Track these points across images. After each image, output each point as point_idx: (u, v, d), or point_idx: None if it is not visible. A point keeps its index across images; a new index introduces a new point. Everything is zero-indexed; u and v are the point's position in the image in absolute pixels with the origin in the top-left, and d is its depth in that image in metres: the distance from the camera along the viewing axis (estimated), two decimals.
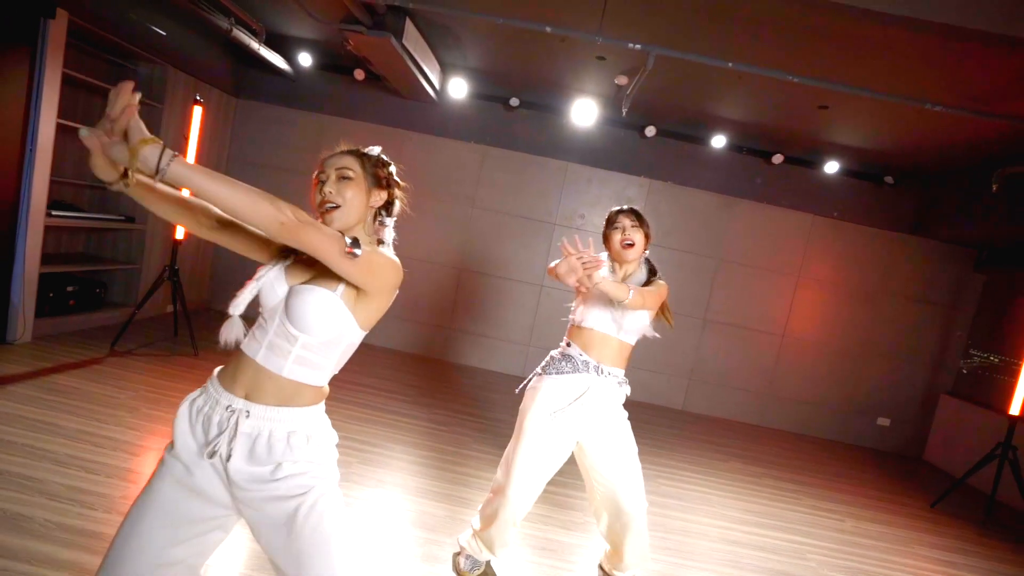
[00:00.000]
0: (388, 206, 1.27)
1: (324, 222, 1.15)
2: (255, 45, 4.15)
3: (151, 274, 4.35)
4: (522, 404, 1.93)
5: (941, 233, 4.70)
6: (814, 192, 4.88)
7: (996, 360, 4.64)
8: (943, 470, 4.71)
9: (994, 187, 3.39)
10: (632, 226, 1.88)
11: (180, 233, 3.80)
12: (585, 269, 1.64)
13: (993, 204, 4.02)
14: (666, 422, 4.56)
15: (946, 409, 4.91)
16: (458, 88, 4.61)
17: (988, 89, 2.83)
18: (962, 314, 4.98)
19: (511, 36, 3.57)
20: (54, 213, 3.50)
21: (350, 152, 1.21)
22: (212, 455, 1.05)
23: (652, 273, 1.95)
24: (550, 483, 2.84)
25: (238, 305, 1.12)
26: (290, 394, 1.10)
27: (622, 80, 3.89)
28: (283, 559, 1.06)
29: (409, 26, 3.51)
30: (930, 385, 5.06)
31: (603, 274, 1.72)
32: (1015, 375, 3.69)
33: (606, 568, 2.08)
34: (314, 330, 1.08)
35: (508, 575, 2.04)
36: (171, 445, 1.11)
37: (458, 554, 2.02)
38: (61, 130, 3.51)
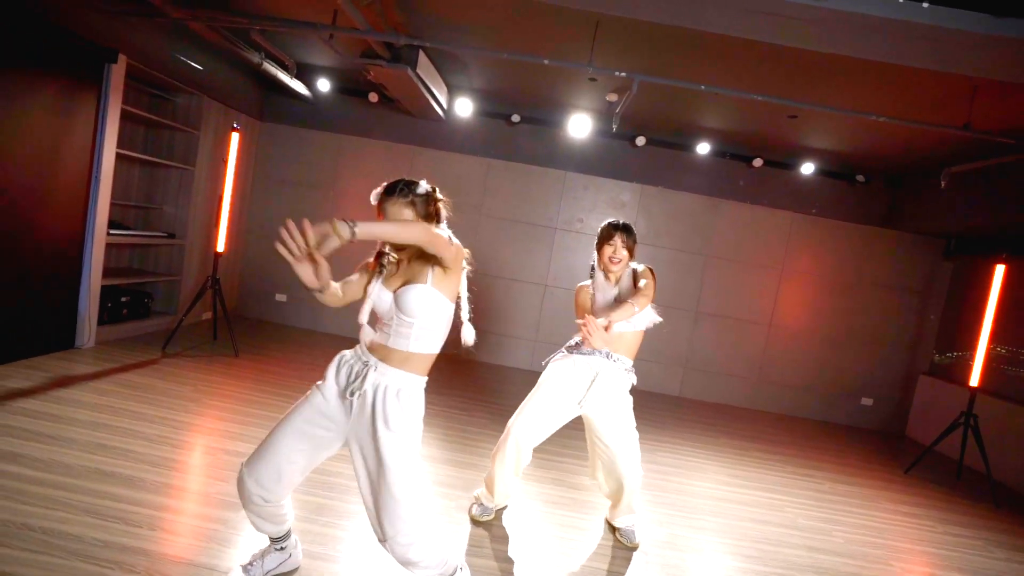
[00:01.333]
0: (438, 217, 1.64)
1: (395, 252, 1.60)
2: (285, 77, 4.60)
3: (189, 284, 4.79)
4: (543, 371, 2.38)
5: (910, 226, 5.12)
6: (793, 192, 5.30)
7: (962, 351, 5.04)
8: (923, 444, 5.10)
9: (942, 183, 3.81)
10: (623, 245, 2.23)
11: (221, 246, 4.24)
12: (605, 329, 2.01)
13: (951, 199, 4.44)
14: (664, 407, 4.97)
15: (924, 389, 5.31)
16: (464, 107, 5.06)
17: (929, 103, 3.26)
18: (935, 299, 5.38)
19: (512, 63, 4.01)
20: (111, 232, 3.94)
21: (406, 200, 1.52)
22: (352, 394, 1.51)
23: (633, 271, 2.29)
24: (565, 446, 3.26)
25: (363, 315, 1.57)
26: (404, 359, 1.54)
27: (612, 97, 4.33)
28: (366, 478, 1.52)
29: (422, 57, 3.96)
30: (909, 366, 5.46)
31: (601, 323, 2.05)
32: (973, 350, 4.09)
33: (610, 520, 2.50)
34: (421, 313, 1.52)
35: (524, 527, 2.45)
36: (320, 382, 1.59)
37: (472, 503, 2.44)
38: (117, 158, 3.97)
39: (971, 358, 4.15)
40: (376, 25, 3.26)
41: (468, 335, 1.72)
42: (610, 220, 2.29)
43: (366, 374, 1.52)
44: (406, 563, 1.53)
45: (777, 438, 4.54)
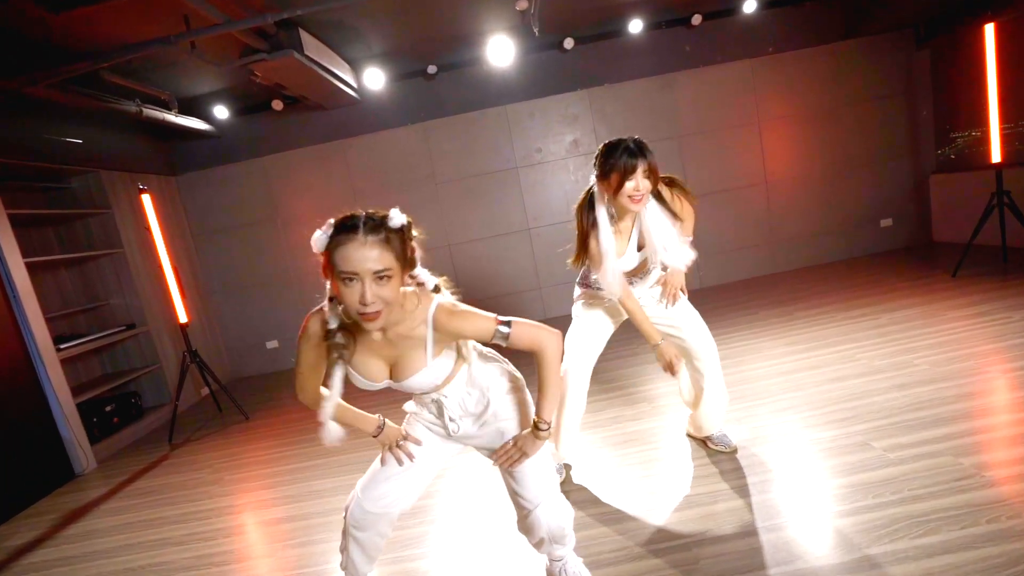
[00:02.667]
0: (413, 259, 1.23)
1: (365, 323, 1.12)
2: (171, 117, 4.13)
3: (172, 366, 4.46)
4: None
5: (873, 27, 4.73)
6: (744, 38, 4.89)
7: (968, 134, 4.74)
8: (956, 243, 4.89)
9: None
10: (645, 176, 1.68)
11: (183, 317, 3.89)
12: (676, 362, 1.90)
13: None
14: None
15: (938, 188, 5.05)
16: (374, 78, 4.58)
17: None
18: (921, 94, 5.05)
19: (402, 8, 3.54)
20: (62, 347, 3.58)
21: (378, 239, 1.08)
22: (455, 428, 1.44)
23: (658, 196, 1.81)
24: (611, 388, 3.02)
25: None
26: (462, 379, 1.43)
27: (522, 5, 3.87)
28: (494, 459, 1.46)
29: (305, 36, 3.49)
30: (916, 172, 5.18)
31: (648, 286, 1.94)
32: (986, 127, 3.80)
33: (695, 434, 2.26)
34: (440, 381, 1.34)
35: (597, 474, 2.21)
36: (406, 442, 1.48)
37: None
38: (31, 268, 3.57)
39: (984, 136, 3.86)
40: (235, 14, 2.80)
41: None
42: (610, 142, 1.73)
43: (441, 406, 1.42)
44: (558, 536, 1.45)
45: (813, 292, 4.31)
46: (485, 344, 1.35)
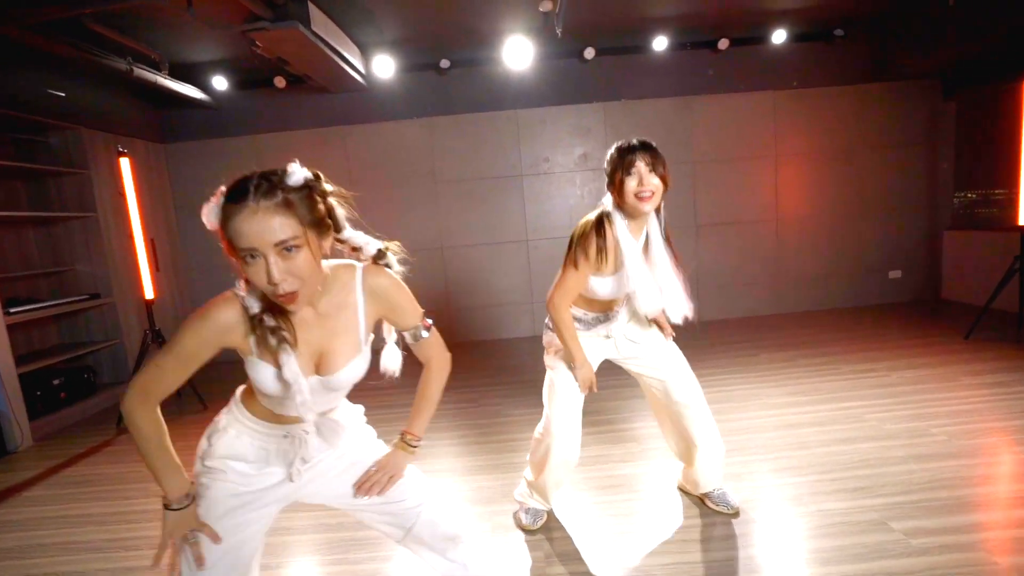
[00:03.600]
0: (334, 221, 1.00)
1: (285, 306, 0.93)
2: (162, 79, 3.89)
3: (135, 343, 4.18)
4: (546, 346, 1.88)
5: (902, 71, 4.59)
6: (769, 68, 4.73)
7: (986, 189, 4.60)
8: (965, 303, 4.73)
9: (951, 1, 3.27)
10: (649, 170, 1.55)
11: (150, 293, 3.62)
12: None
13: (948, 23, 3.91)
14: (684, 337, 4.49)
15: (952, 244, 4.90)
16: (384, 66, 4.38)
17: None
18: (944, 145, 4.91)
19: None
20: (12, 311, 3.31)
21: (273, 203, 0.86)
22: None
23: (666, 235, 1.70)
24: (599, 424, 2.79)
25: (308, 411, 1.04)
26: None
27: (547, 6, 3.68)
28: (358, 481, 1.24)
29: (314, 11, 3.28)
30: (930, 226, 5.03)
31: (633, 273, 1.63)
32: (1014, 187, 3.64)
33: (687, 488, 2.04)
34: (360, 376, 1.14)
35: (575, 520, 1.98)
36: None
37: (517, 511, 1.96)
38: None
39: (1011, 198, 3.70)
40: None
41: (391, 360, 1.23)
42: (619, 144, 1.63)
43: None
44: (451, 533, 1.23)
45: (816, 338, 4.12)
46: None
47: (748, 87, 4.77)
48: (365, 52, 4.37)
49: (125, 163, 3.44)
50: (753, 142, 4.86)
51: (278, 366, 0.99)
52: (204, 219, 0.92)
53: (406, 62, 4.54)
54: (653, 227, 1.67)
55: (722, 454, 1.89)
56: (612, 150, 1.64)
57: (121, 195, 3.59)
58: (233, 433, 1.14)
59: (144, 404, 1.01)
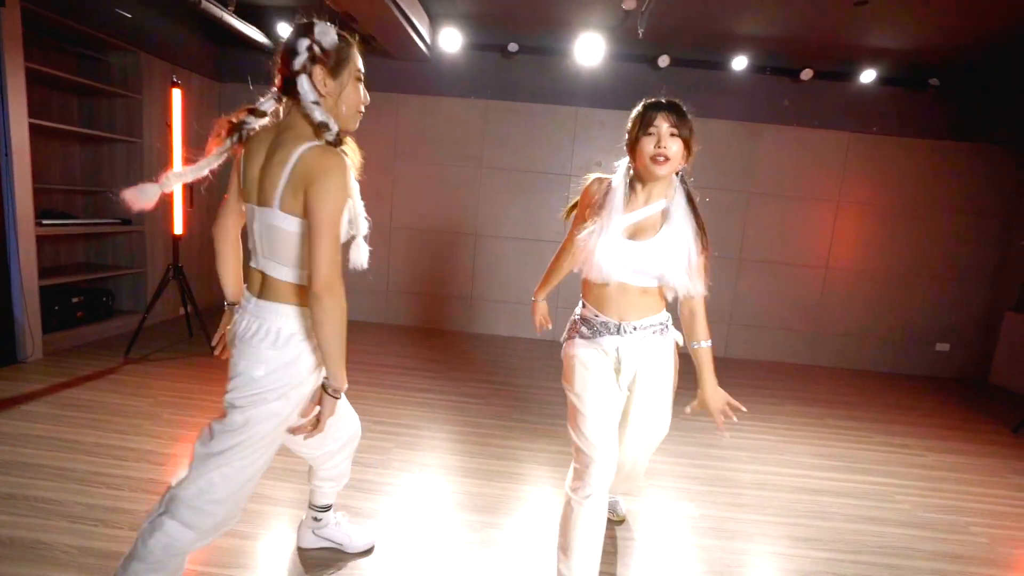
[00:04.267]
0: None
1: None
2: (230, 18, 3.84)
3: (157, 276, 4.18)
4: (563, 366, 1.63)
5: (989, 135, 4.28)
6: (849, 107, 4.46)
7: None
8: (1014, 392, 4.42)
9: None
10: (671, 133, 1.38)
11: (179, 228, 3.59)
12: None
13: None
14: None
15: (1012, 327, 4.57)
16: (451, 40, 4.25)
17: None
18: (1020, 222, 4.58)
19: None
20: (44, 223, 3.31)
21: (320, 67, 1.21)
22: None
23: (690, 200, 1.47)
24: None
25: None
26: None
27: (630, 3, 3.50)
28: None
29: None
30: (991, 303, 4.71)
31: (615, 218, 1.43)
32: None
33: None
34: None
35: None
36: None
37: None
38: (37, 132, 3.29)
39: None
40: None
41: (356, 255, 1.29)
42: (646, 100, 1.46)
43: None
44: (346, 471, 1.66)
45: (849, 400, 3.88)
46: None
47: (823, 124, 4.51)
48: (435, 23, 4.25)
49: (176, 94, 3.40)
50: (817, 183, 4.60)
51: None
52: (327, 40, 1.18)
53: (473, 39, 4.40)
54: (678, 199, 1.45)
55: (636, 484, 1.88)
56: (637, 107, 1.47)
57: (168, 126, 3.55)
58: None
59: (339, 278, 1.13)
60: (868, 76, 4.23)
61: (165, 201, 4.04)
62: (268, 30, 4.43)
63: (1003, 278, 4.66)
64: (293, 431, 1.28)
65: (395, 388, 3.28)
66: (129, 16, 3.64)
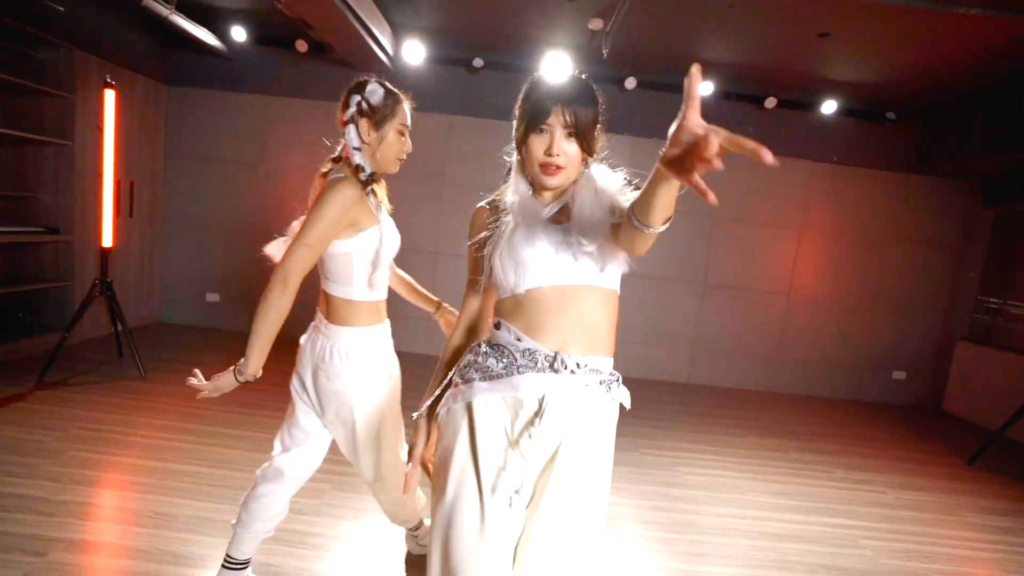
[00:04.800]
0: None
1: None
2: (179, 19, 3.60)
3: (86, 290, 3.84)
4: (439, 445, 1.12)
5: (945, 169, 4.38)
6: (812, 137, 4.51)
7: (1011, 305, 4.37)
8: (966, 420, 4.47)
9: None
10: (568, 133, 1.02)
11: (108, 240, 3.30)
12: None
13: (1006, 131, 3.70)
14: (671, 397, 4.23)
15: (964, 356, 4.66)
16: (414, 52, 4.11)
17: None
18: (972, 254, 4.69)
19: None
20: None
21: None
22: None
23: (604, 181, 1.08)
24: None
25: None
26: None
27: (596, 24, 3.43)
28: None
29: None
30: (944, 332, 4.79)
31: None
32: None
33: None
34: None
35: None
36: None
37: None
38: None
39: None
40: None
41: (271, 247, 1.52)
42: (534, 77, 1.08)
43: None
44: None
45: (810, 430, 3.83)
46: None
47: (786, 152, 4.54)
48: (397, 33, 4.10)
49: (110, 95, 3.14)
50: (780, 210, 4.62)
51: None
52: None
53: (438, 52, 4.28)
54: (583, 184, 1.07)
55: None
56: (528, 86, 1.07)
57: (99, 129, 3.27)
58: None
59: (297, 279, 1.25)
60: (829, 107, 4.28)
61: (100, 211, 3.74)
62: (221, 32, 4.21)
63: (956, 307, 4.76)
64: (189, 383, 1.30)
65: None
66: (61, 9, 3.37)
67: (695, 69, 0.73)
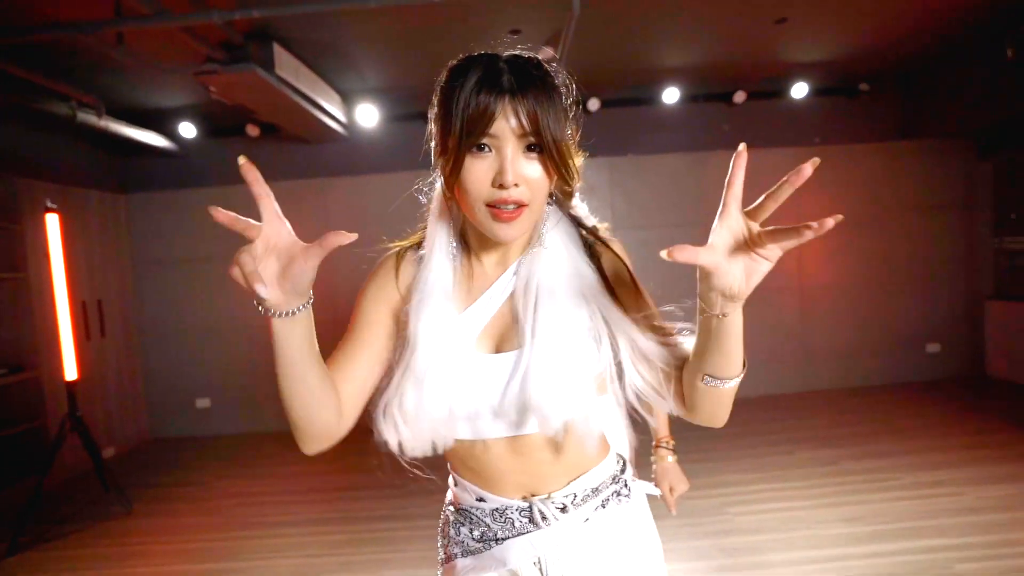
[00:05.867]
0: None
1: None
2: (113, 125, 3.48)
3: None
4: None
5: (934, 129, 4.22)
6: (788, 123, 4.37)
7: None
8: (1015, 382, 4.17)
9: (1009, 53, 2.88)
10: (528, 145, 0.66)
11: (72, 372, 3.06)
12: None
13: (990, 82, 3.54)
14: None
15: (996, 315, 4.39)
16: (367, 115, 3.99)
17: None
18: (981, 209, 4.48)
19: (405, 41, 2.97)
20: None
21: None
22: None
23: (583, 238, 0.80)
24: None
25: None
26: None
27: (547, 53, 3.30)
28: None
29: (280, 53, 2.88)
30: (970, 294, 4.54)
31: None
32: None
33: None
34: None
35: None
36: None
37: None
38: None
39: None
40: (178, 6, 2.16)
41: None
42: (457, 62, 0.68)
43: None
44: None
45: (857, 429, 3.53)
46: None
47: (767, 143, 4.37)
48: (348, 99, 3.99)
49: (52, 220, 2.95)
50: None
51: None
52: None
53: (392, 111, 4.15)
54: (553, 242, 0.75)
55: None
56: (453, 74, 0.67)
57: (46, 257, 3.08)
58: None
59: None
60: (800, 90, 4.15)
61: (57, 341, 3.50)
62: (170, 132, 4.09)
63: (977, 268, 4.52)
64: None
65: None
66: None
67: (742, 147, 0.55)
